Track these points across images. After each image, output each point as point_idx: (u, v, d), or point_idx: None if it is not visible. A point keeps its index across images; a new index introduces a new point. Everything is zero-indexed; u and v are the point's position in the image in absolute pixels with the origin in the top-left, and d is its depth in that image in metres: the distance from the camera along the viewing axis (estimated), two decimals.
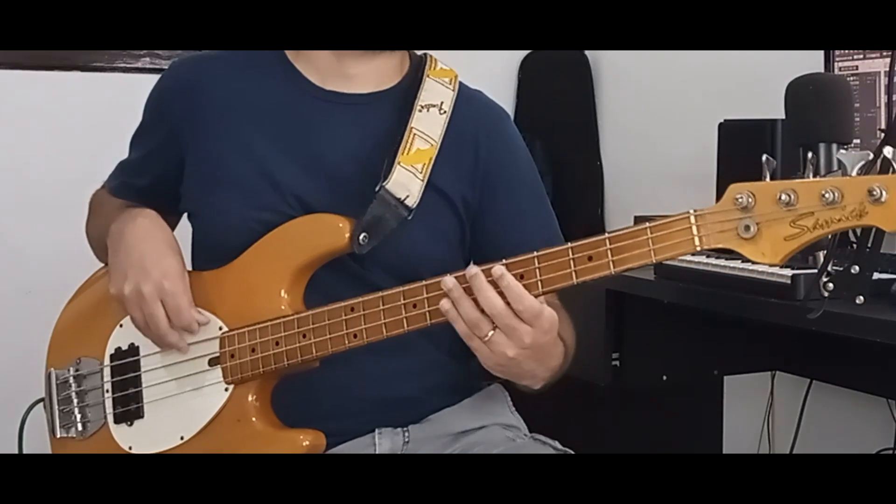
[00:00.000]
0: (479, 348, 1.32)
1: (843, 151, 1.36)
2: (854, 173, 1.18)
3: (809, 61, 1.96)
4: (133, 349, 1.54)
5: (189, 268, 1.53)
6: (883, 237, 1.18)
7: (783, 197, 1.18)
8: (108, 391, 1.56)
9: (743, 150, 2.08)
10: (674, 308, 1.95)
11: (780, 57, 1.92)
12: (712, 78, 2.67)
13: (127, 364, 1.55)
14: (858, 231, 1.19)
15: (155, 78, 1.61)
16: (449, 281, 1.31)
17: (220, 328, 1.48)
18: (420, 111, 1.51)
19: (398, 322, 1.37)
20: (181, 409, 1.49)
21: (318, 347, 1.41)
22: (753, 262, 1.23)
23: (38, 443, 1.68)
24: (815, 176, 1.23)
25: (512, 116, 2.02)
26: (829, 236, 1.19)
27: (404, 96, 1.54)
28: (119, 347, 1.56)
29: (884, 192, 1.13)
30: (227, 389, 1.47)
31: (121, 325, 1.55)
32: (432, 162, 1.48)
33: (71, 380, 1.59)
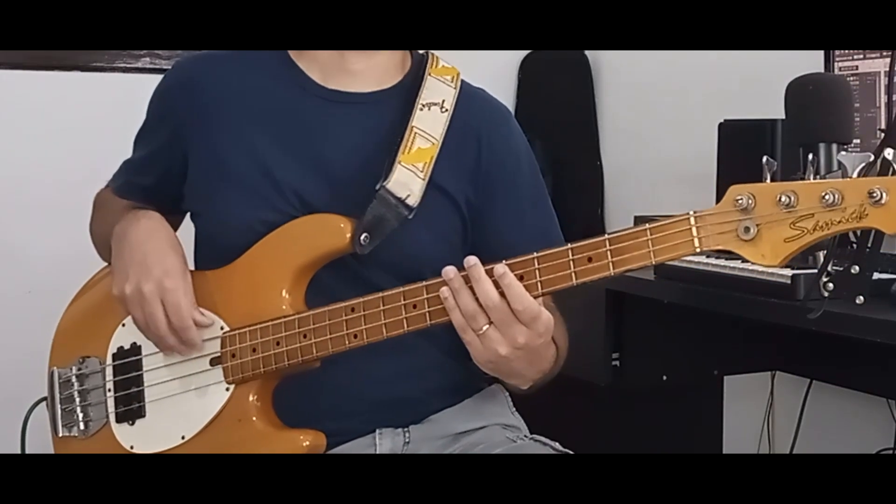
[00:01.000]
0: (471, 342, 1.32)
1: (843, 153, 1.36)
2: (854, 175, 1.18)
3: (809, 61, 1.96)
4: (135, 349, 1.55)
5: (191, 267, 1.53)
6: (883, 238, 1.18)
7: (783, 198, 1.18)
8: (110, 390, 1.56)
9: (743, 150, 2.08)
10: (674, 308, 1.95)
11: (780, 57, 1.92)
12: (712, 78, 2.66)
13: (129, 363, 1.55)
14: (859, 231, 1.19)
15: (155, 78, 1.61)
16: (450, 270, 1.31)
17: (222, 328, 1.48)
18: (421, 110, 1.51)
19: (398, 322, 1.37)
20: (182, 409, 1.49)
21: (319, 347, 1.41)
22: (753, 263, 1.23)
23: (40, 441, 1.68)
24: (815, 177, 1.23)
25: None
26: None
27: (406, 95, 1.54)
28: (121, 347, 1.56)
29: (884, 194, 1.13)
30: (228, 389, 1.47)
31: (123, 325, 1.55)
32: (434, 161, 1.48)
33: (73, 379, 1.60)
